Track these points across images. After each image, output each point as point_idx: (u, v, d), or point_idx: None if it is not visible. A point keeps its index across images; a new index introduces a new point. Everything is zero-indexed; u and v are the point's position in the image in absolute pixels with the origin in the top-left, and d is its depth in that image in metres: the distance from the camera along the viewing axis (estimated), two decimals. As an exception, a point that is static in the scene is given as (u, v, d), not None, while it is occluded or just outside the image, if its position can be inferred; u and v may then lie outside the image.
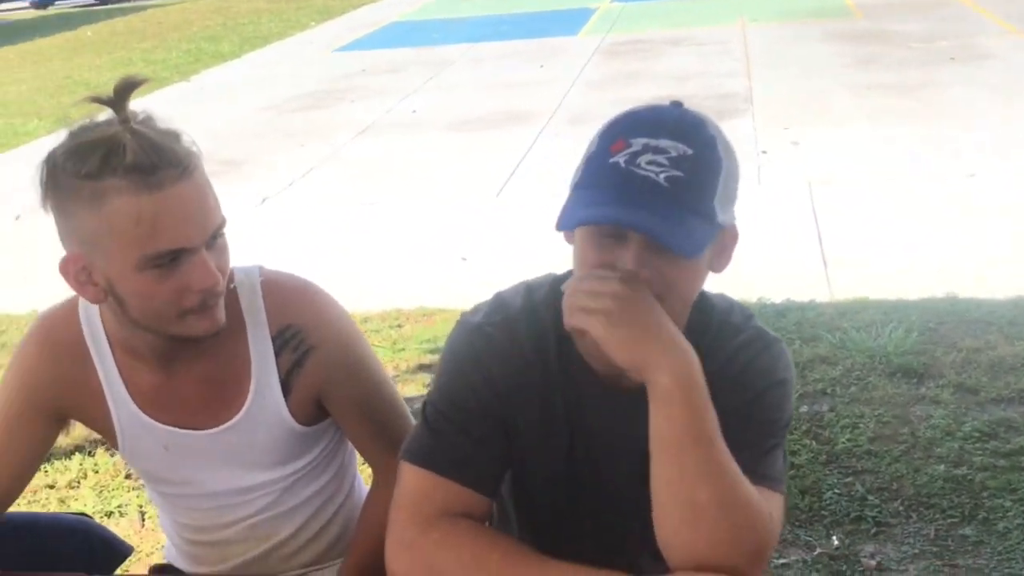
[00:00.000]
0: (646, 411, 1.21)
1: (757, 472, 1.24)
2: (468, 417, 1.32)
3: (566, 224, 1.22)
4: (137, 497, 3.04)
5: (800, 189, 5.46)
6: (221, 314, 1.39)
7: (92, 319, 1.51)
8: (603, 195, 1.19)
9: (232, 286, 1.48)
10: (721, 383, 1.25)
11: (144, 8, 21.10)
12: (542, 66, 10.03)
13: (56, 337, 1.52)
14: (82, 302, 1.52)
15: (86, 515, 2.29)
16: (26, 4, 24.83)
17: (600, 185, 1.20)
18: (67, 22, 19.26)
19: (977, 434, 3.01)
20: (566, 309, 1.20)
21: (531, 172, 6.44)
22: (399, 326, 4.25)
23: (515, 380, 1.32)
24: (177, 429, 1.53)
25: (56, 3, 24.35)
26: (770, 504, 1.25)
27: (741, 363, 1.32)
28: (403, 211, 5.81)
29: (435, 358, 3.88)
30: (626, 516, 1.36)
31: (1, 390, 1.54)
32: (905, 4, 11.56)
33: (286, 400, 1.50)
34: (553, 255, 5.07)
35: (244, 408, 1.48)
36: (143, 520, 2.94)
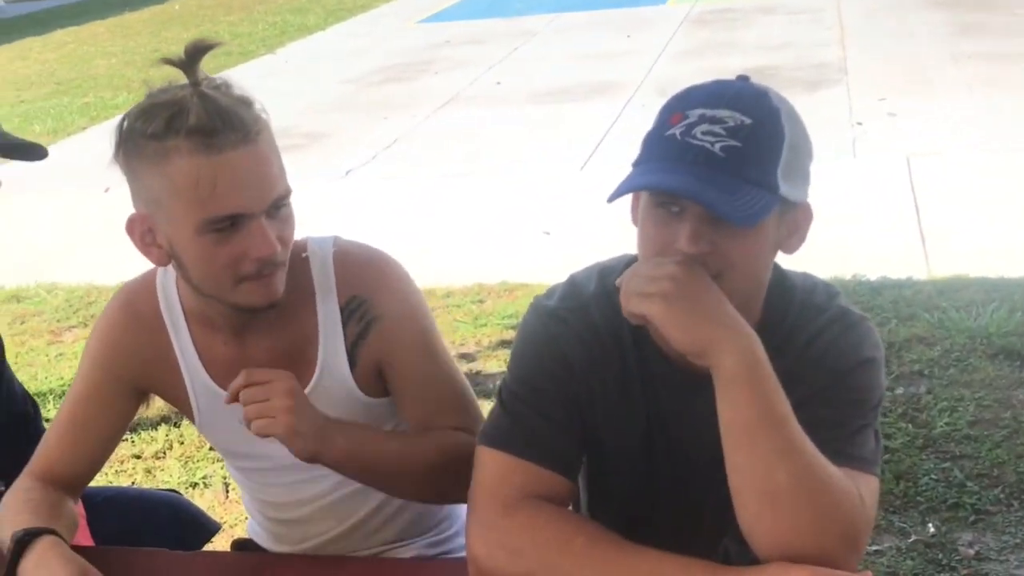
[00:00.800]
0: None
1: (844, 453, 1.21)
2: (545, 400, 1.31)
3: (616, 192, 1.18)
4: (221, 469, 3.06)
5: (897, 162, 5.27)
6: (279, 285, 1.36)
7: (169, 290, 1.51)
8: (656, 166, 1.18)
9: (304, 255, 1.47)
10: (805, 363, 1.25)
11: (232, -19, 21.37)
12: (629, 36, 9.87)
13: (134, 309, 1.52)
14: (160, 273, 1.52)
15: (175, 491, 2.31)
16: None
17: (654, 157, 1.19)
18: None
19: (1090, 420, 2.87)
20: (623, 296, 1.18)
21: (616, 144, 6.32)
22: (481, 301, 4.21)
23: (591, 364, 1.31)
24: None
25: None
26: (860, 486, 1.19)
27: (825, 343, 1.28)
28: (485, 184, 5.76)
29: (512, 334, 3.83)
30: (703, 500, 1.34)
31: (83, 360, 1.55)
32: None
33: (352, 371, 1.48)
34: (635, 230, 4.94)
35: (313, 380, 1.47)
36: (227, 492, 2.96)
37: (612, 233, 4.70)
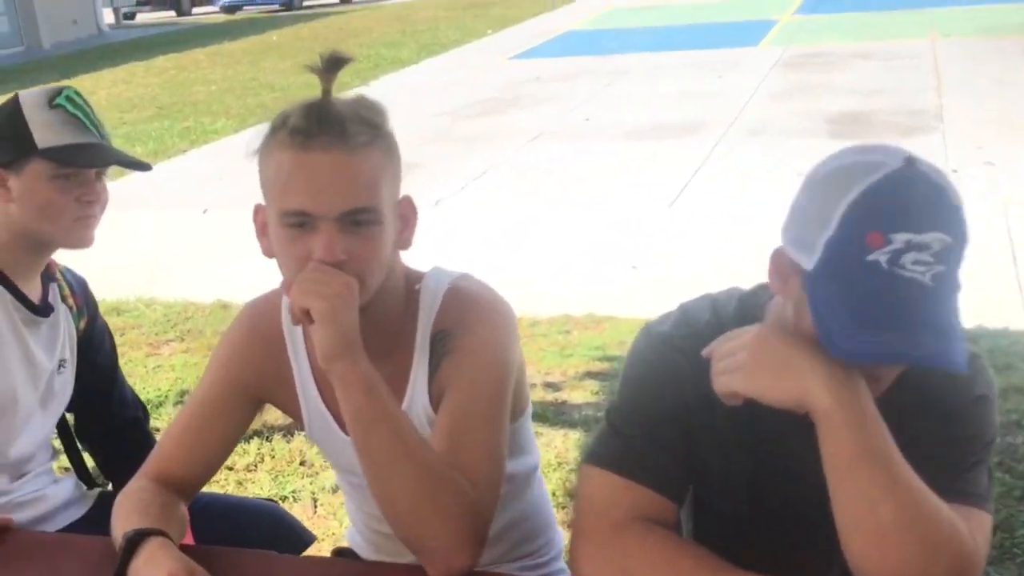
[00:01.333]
0: None
1: (956, 489, 1.20)
2: (657, 425, 1.31)
3: (840, 348, 1.09)
4: (311, 484, 3.10)
5: (995, 210, 5.17)
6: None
7: None
8: (873, 318, 1.08)
9: (417, 287, 1.49)
10: (919, 401, 1.24)
11: (327, 15, 21.89)
12: (720, 76, 9.86)
13: (258, 325, 1.57)
14: (282, 288, 1.55)
15: (274, 501, 2.35)
16: (216, 8, 26.08)
17: (861, 292, 1.09)
18: (253, 27, 20.14)
19: None
20: (713, 380, 1.21)
21: (706, 183, 6.32)
22: (567, 332, 4.22)
23: (705, 396, 1.28)
24: (347, 436, 1.49)
25: (244, 8, 25.46)
26: (971, 522, 1.18)
27: (938, 379, 1.25)
28: (573, 217, 5.78)
29: (603, 366, 3.83)
30: (811, 538, 1.31)
31: (208, 371, 1.59)
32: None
33: (430, 401, 1.48)
34: (723, 267, 4.95)
35: (403, 406, 1.47)
36: (315, 507, 2.99)
37: (699, 269, 4.73)
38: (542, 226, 5.66)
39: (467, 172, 7.02)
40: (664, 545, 1.25)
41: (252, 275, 5.30)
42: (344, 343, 1.31)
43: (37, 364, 1.91)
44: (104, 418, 2.12)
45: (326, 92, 1.34)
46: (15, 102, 1.83)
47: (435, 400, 1.48)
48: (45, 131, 1.79)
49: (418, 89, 10.96)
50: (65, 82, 1.82)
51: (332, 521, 2.90)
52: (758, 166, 6.61)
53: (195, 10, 27.37)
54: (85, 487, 2.12)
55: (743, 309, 1.33)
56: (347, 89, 11.04)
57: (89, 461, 2.21)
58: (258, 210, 1.41)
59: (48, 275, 1.96)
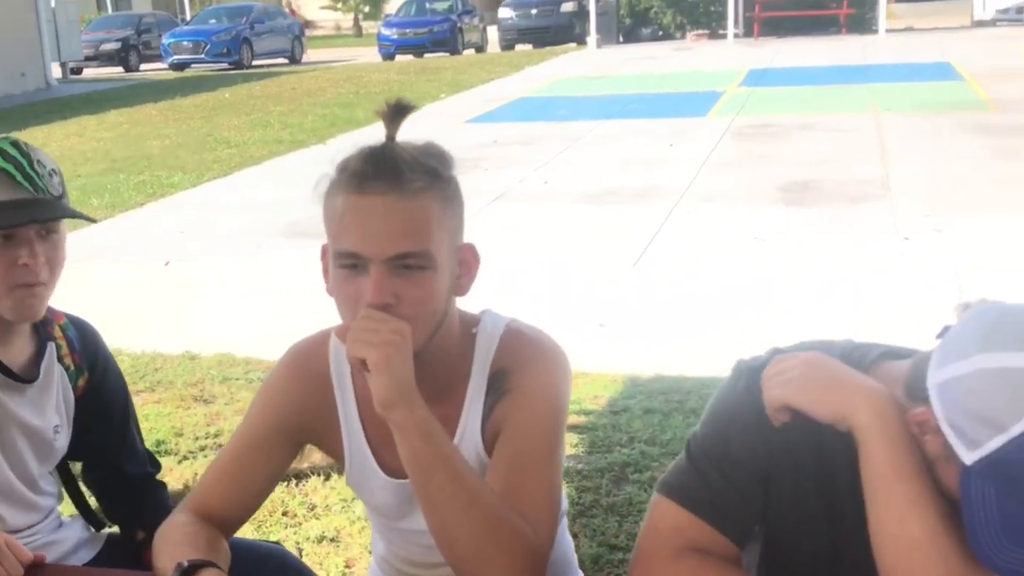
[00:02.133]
0: None
1: None
2: (736, 468, 1.33)
3: (989, 564, 1.13)
4: (294, 534, 3.10)
5: (946, 275, 5.36)
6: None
7: (340, 349, 1.55)
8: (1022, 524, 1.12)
9: (474, 332, 1.53)
10: None
11: (278, 74, 21.96)
12: (672, 144, 10.09)
13: (304, 366, 1.59)
14: (334, 333, 1.57)
15: (280, 544, 2.35)
16: (164, 65, 26.07)
17: (1014, 506, 1.11)
18: (205, 84, 20.14)
19: None
20: (764, 392, 1.29)
21: (667, 245, 6.46)
22: (540, 387, 4.26)
23: (788, 440, 1.32)
24: (390, 478, 1.57)
25: (192, 66, 25.48)
26: None
27: None
28: (540, 276, 5.87)
29: (581, 419, 3.88)
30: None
31: (251, 411, 1.61)
32: (1044, 100, 11.37)
33: (483, 439, 1.51)
34: (689, 325, 5.04)
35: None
36: (300, 556, 2.99)
37: (666, 326, 4.83)
38: (509, 284, 5.73)
39: (430, 231, 7.09)
40: (721, 572, 1.30)
41: (219, 326, 5.31)
42: (400, 391, 1.34)
43: (25, 426, 1.86)
44: (113, 472, 2.09)
45: (390, 138, 1.39)
46: None
47: (488, 440, 1.50)
48: None
49: (375, 149, 11.05)
50: (16, 134, 1.68)
51: (320, 570, 2.90)
52: (715, 230, 6.79)
53: (143, 66, 27.32)
54: (93, 529, 2.12)
55: (843, 357, 1.32)
56: (304, 147, 11.12)
57: (93, 502, 2.21)
58: (324, 251, 1.44)
59: (46, 334, 1.89)
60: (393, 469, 1.56)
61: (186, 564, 1.39)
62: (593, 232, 6.87)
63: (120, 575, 1.78)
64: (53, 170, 1.76)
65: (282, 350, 5.02)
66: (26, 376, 1.84)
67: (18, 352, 1.84)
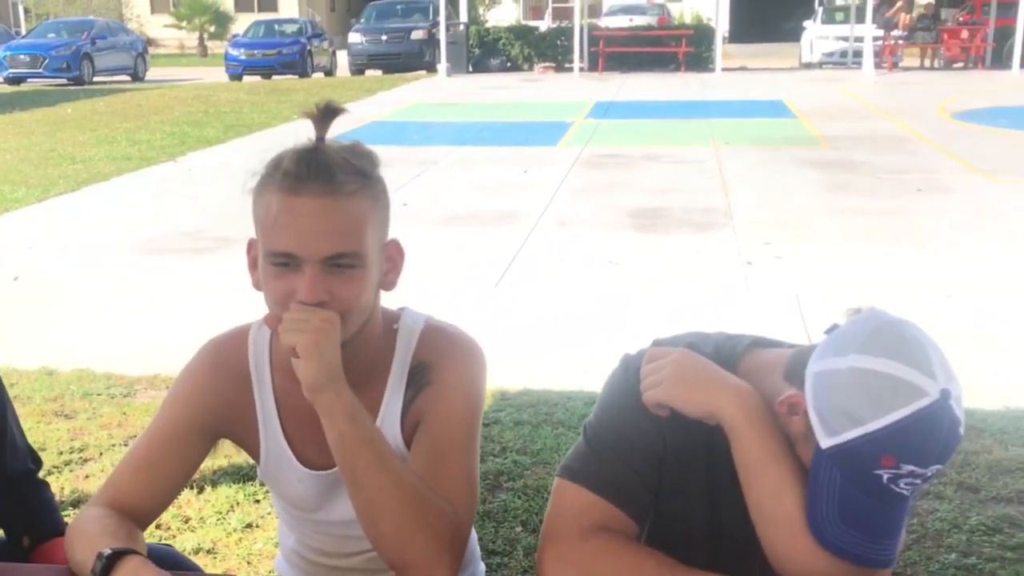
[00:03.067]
0: None
1: None
2: (633, 451, 1.44)
3: (819, 537, 1.28)
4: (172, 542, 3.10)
5: (788, 299, 5.70)
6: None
7: (260, 343, 1.63)
8: (858, 522, 1.27)
9: (395, 327, 1.61)
10: None
11: (122, 91, 21.32)
12: (526, 171, 10.33)
13: (222, 361, 1.63)
14: (254, 327, 1.64)
15: (171, 546, 2.35)
16: (0, 80, 24.98)
17: (854, 491, 1.26)
18: (45, 98, 19.39)
19: (983, 528, 3.18)
20: (642, 392, 1.42)
21: (525, 267, 6.65)
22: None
23: (678, 423, 1.43)
24: (308, 470, 1.63)
25: (28, 80, 24.47)
26: None
27: None
28: (405, 295, 5.92)
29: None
30: (754, 547, 1.43)
31: (166, 405, 1.63)
32: (869, 138, 12.15)
33: (402, 431, 1.58)
34: (553, 341, 5.24)
35: None
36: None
37: (530, 343, 4.97)
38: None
39: (290, 250, 7.07)
40: (627, 550, 1.40)
41: (76, 342, 5.17)
42: (328, 375, 1.40)
43: None
44: None
45: (319, 139, 1.44)
46: None
47: (407, 429, 1.58)
48: None
49: (227, 168, 10.88)
50: None
51: None
52: (571, 253, 7.01)
53: (-25, 79, 26.07)
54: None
55: (718, 354, 1.47)
56: (155, 163, 10.87)
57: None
58: (251, 245, 1.50)
59: None
60: (310, 462, 1.63)
61: (108, 552, 1.40)
62: (454, 253, 7.00)
63: (33, 570, 1.78)
64: None
65: (143, 366, 4.98)
66: None
67: None
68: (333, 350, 1.40)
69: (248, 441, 1.66)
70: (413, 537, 1.44)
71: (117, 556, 1.40)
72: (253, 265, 1.50)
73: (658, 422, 1.44)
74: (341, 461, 1.46)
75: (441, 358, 1.58)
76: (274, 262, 1.43)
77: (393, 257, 1.56)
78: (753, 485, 1.35)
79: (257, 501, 3.41)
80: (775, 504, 1.33)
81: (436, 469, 1.52)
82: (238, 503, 3.39)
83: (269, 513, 3.32)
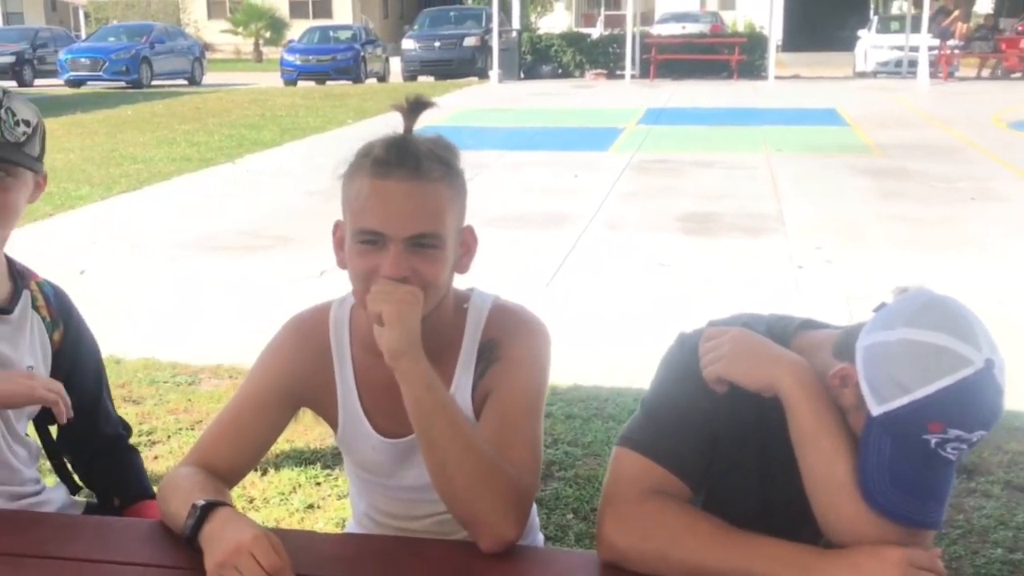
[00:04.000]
0: None
1: None
2: (689, 422, 1.54)
3: (870, 500, 1.37)
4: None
5: (838, 302, 5.74)
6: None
7: (340, 319, 1.75)
8: (907, 485, 1.36)
9: (465, 307, 1.72)
10: None
11: (180, 94, 21.74)
12: (576, 176, 10.43)
13: (304, 333, 1.75)
14: (334, 306, 1.77)
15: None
16: (59, 81, 25.53)
17: (903, 455, 1.35)
18: (105, 100, 19.84)
19: (1030, 525, 3.23)
20: (702, 368, 1.49)
21: (576, 268, 6.75)
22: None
23: (732, 399, 1.53)
24: (383, 438, 1.74)
25: (88, 83, 25.02)
26: None
27: None
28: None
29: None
30: (802, 521, 1.52)
31: (252, 374, 1.76)
32: (922, 147, 12.09)
33: (472, 404, 1.69)
34: (603, 340, 5.31)
35: None
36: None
37: (581, 341, 5.07)
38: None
39: (347, 248, 7.23)
40: (683, 511, 1.49)
41: (141, 333, 5.33)
42: (408, 342, 1.51)
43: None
44: (88, 433, 2.18)
45: (407, 130, 1.59)
46: None
47: (476, 402, 1.68)
48: None
49: (285, 169, 11.12)
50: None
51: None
52: (621, 255, 7.10)
53: (37, 81, 26.68)
54: (73, 496, 2.23)
55: (771, 333, 1.56)
56: (213, 164, 11.12)
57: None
58: (337, 226, 1.64)
59: (21, 283, 2.01)
60: (384, 431, 1.74)
61: (202, 502, 1.52)
62: (507, 253, 7.09)
63: (127, 523, 1.90)
64: (24, 120, 1.88)
65: (206, 356, 5.17)
66: (3, 308, 1.95)
67: None
68: (415, 320, 1.52)
69: (327, 410, 1.78)
70: (483, 496, 1.54)
71: (210, 507, 1.51)
72: (339, 245, 1.64)
73: (714, 400, 1.53)
74: (417, 424, 1.57)
75: (509, 335, 1.69)
76: (361, 239, 1.55)
77: (467, 242, 1.68)
78: (808, 453, 1.43)
79: (318, 484, 3.54)
80: (828, 471, 1.41)
81: (504, 437, 1.62)
82: (300, 485, 3.52)
83: (329, 495, 3.45)
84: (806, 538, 1.47)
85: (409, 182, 1.53)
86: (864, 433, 1.38)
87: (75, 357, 2.11)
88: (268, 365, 1.76)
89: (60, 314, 2.08)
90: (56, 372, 2.07)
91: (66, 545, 1.63)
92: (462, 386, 1.70)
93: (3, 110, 1.85)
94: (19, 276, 2.02)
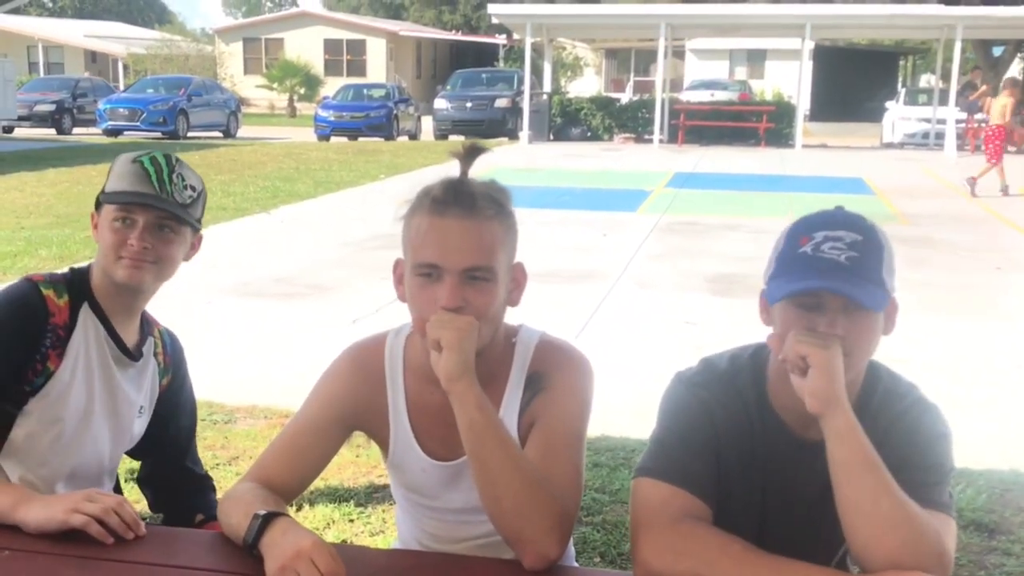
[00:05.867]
0: (826, 458, 1.55)
1: (927, 498, 1.57)
2: (696, 447, 1.68)
3: (775, 297, 1.59)
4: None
5: (863, 364, 5.80)
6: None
7: (396, 348, 1.87)
8: (799, 275, 1.57)
9: (513, 341, 1.83)
10: (893, 435, 1.63)
11: (216, 146, 22.15)
12: (605, 235, 10.56)
13: (361, 362, 1.87)
14: (391, 334, 1.89)
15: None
16: (97, 131, 26.06)
17: (793, 270, 1.58)
18: (142, 150, 20.19)
19: (1049, 582, 3.27)
20: (794, 341, 1.56)
21: (605, 322, 6.85)
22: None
23: (729, 424, 1.69)
24: (432, 460, 1.85)
25: (125, 132, 25.51)
26: (941, 523, 1.56)
27: (911, 420, 1.67)
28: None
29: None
30: (810, 537, 1.69)
31: (311, 398, 1.88)
32: (948, 217, 12.17)
33: (518, 432, 1.79)
34: (630, 392, 5.42)
35: None
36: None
37: (608, 392, 5.14)
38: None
39: (379, 296, 7.34)
40: (714, 533, 1.60)
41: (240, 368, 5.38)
42: (464, 367, 1.63)
43: (119, 397, 2.15)
44: (179, 470, 2.34)
45: (464, 172, 1.72)
46: (112, 162, 2.11)
47: (522, 430, 1.79)
48: (116, 180, 2.07)
49: (319, 220, 11.32)
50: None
51: None
52: (649, 311, 7.20)
53: (75, 130, 27.26)
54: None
55: (754, 359, 1.74)
56: (248, 214, 11.31)
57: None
58: (397, 264, 1.77)
59: (147, 330, 2.21)
60: (434, 453, 1.85)
61: (263, 512, 1.63)
62: (537, 307, 7.15)
63: (191, 533, 2.01)
64: (192, 186, 2.11)
65: (241, 397, 5.31)
66: (134, 355, 2.15)
67: (130, 335, 2.16)
68: (471, 346, 1.64)
69: (379, 433, 1.89)
70: (529, 515, 1.64)
71: (271, 517, 1.62)
72: (399, 281, 1.76)
73: (714, 425, 1.68)
74: (469, 445, 1.67)
75: (554, 368, 1.81)
76: (420, 273, 1.68)
77: (518, 278, 1.79)
78: (852, 486, 1.52)
79: (351, 520, 3.63)
80: (872, 506, 1.50)
81: (548, 462, 1.72)
82: (334, 521, 3.61)
83: (363, 531, 3.54)
84: (813, 548, 1.63)
85: (465, 220, 1.66)
86: (766, 294, 1.65)
87: (176, 400, 2.31)
88: (326, 390, 1.87)
89: (173, 362, 2.28)
90: (158, 412, 2.26)
91: (132, 550, 1.73)
92: (508, 414, 1.80)
93: (175, 175, 2.07)
94: (146, 324, 2.21)
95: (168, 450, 2.32)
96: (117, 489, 2.35)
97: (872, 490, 1.51)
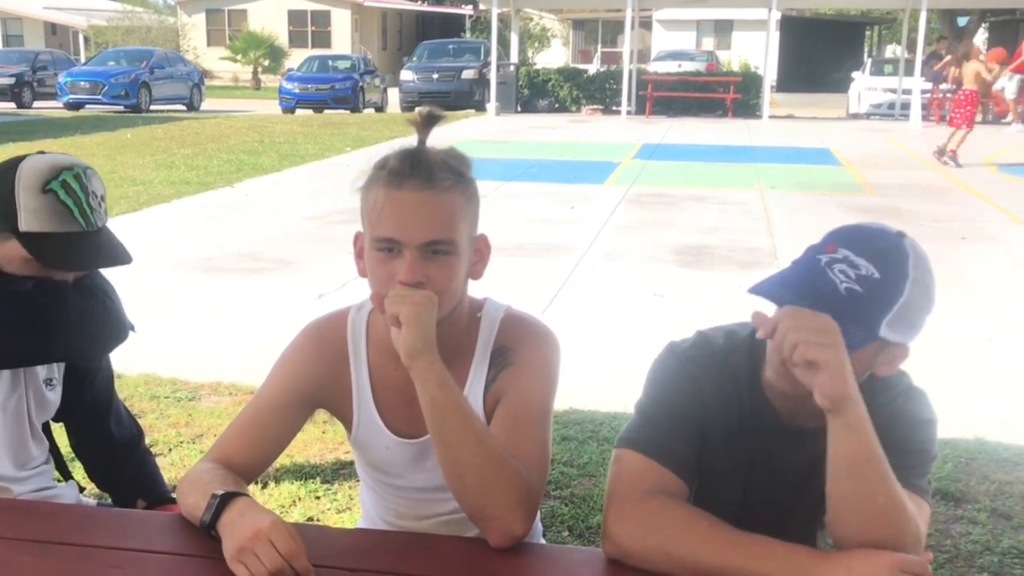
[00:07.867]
0: (812, 444, 1.55)
1: (908, 482, 1.55)
2: (681, 422, 1.65)
3: (758, 292, 1.55)
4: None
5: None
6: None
7: (358, 324, 1.82)
8: (793, 278, 1.54)
9: (478, 315, 1.79)
10: (880, 420, 1.56)
11: (180, 119, 21.90)
12: (573, 207, 10.53)
13: (323, 339, 1.82)
14: (352, 311, 1.84)
15: None
16: (58, 104, 25.67)
17: (798, 270, 1.54)
18: (104, 124, 19.97)
19: (1015, 551, 3.28)
20: (798, 341, 1.44)
21: (573, 295, 6.83)
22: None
23: (718, 404, 1.65)
24: (397, 438, 1.81)
25: (87, 106, 25.15)
26: (917, 506, 1.55)
27: (898, 406, 1.65)
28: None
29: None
30: (788, 515, 1.68)
31: (272, 376, 1.82)
32: (914, 188, 12.23)
33: (484, 408, 1.75)
34: (599, 365, 5.41)
35: None
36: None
37: (576, 366, 5.14)
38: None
39: (346, 271, 7.26)
40: (684, 509, 1.58)
41: (142, 350, 5.36)
42: (424, 343, 1.58)
43: (32, 375, 2.09)
44: (102, 435, 2.29)
45: (421, 142, 1.66)
46: (11, 178, 1.90)
47: (488, 405, 1.75)
48: (30, 217, 1.91)
49: (284, 194, 11.21)
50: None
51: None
52: (617, 284, 7.19)
53: (36, 103, 26.82)
54: (81, 495, 2.30)
55: (752, 338, 1.67)
56: (212, 188, 11.19)
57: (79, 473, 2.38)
58: (357, 237, 1.71)
59: None
60: (399, 431, 1.81)
61: (221, 492, 1.58)
62: (503, 281, 7.15)
63: (147, 515, 1.96)
64: (102, 197, 2.02)
65: (205, 373, 5.25)
66: None
67: None
68: (430, 321, 1.59)
69: (342, 410, 1.85)
70: (493, 492, 1.61)
71: (229, 497, 1.58)
72: (359, 255, 1.71)
73: (702, 402, 1.65)
74: (432, 422, 1.63)
75: (520, 342, 1.77)
76: (378, 247, 1.62)
77: (481, 250, 1.74)
78: (854, 479, 1.48)
79: (317, 498, 3.59)
80: (869, 499, 1.47)
81: (514, 438, 1.69)
82: (300, 498, 3.57)
83: (329, 509, 3.50)
84: (791, 526, 1.60)
85: (422, 191, 1.59)
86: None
87: (87, 366, 2.23)
88: (287, 368, 1.82)
89: None
90: (69, 377, 2.18)
91: (88, 534, 1.69)
92: (474, 389, 1.77)
93: (90, 196, 1.99)
94: None
95: (87, 414, 2.27)
96: (58, 460, 2.29)
97: (872, 484, 1.48)
